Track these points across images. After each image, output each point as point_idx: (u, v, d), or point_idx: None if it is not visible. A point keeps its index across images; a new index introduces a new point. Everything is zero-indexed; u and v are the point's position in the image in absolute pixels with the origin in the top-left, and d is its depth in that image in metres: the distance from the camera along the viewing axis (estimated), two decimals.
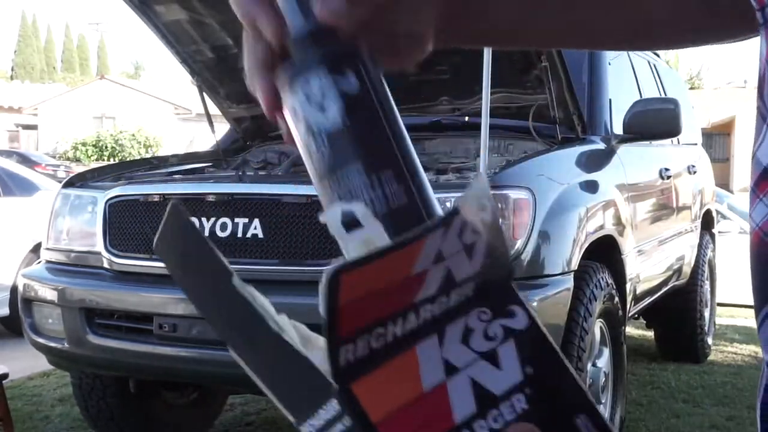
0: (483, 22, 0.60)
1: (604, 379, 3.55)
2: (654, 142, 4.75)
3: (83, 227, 3.55)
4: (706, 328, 5.92)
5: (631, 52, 4.90)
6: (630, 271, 3.97)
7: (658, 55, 5.94)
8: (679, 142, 5.40)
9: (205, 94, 4.38)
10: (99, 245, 3.42)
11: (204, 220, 3.18)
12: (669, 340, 5.87)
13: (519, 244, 3.01)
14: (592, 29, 0.65)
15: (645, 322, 6.03)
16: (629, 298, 4.03)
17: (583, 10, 0.63)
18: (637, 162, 4.39)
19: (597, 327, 3.46)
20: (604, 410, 3.58)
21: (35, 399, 4.77)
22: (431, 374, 0.40)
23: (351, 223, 0.42)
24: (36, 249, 5.64)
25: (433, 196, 0.46)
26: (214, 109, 4.49)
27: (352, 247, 0.42)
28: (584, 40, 0.70)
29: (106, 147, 32.91)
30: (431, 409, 0.40)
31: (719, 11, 0.65)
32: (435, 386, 0.40)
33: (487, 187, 0.42)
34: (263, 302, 0.39)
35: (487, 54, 3.18)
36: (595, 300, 3.34)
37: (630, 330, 5.91)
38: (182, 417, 4.22)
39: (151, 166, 4.22)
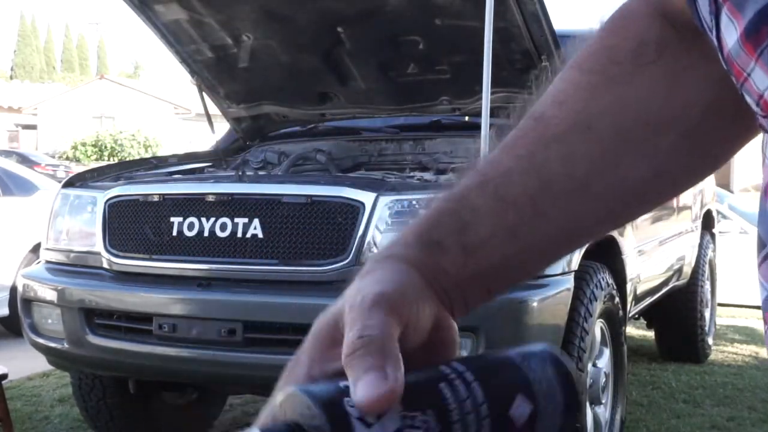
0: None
1: (604, 380, 3.55)
2: None
3: (83, 227, 3.54)
4: (706, 328, 5.92)
5: None
6: (630, 271, 3.96)
7: None
8: None
9: (204, 94, 4.38)
10: (98, 245, 3.41)
11: (203, 220, 3.17)
12: (669, 341, 5.86)
13: None
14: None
15: (645, 322, 6.02)
16: (630, 299, 4.03)
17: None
18: None
19: (597, 327, 3.46)
20: (605, 411, 3.58)
21: (35, 399, 4.76)
22: None
23: None
24: (36, 249, 5.63)
25: None
26: (213, 109, 4.49)
27: None
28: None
29: (106, 147, 32.85)
30: None
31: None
32: None
33: None
34: None
35: (487, 54, 3.17)
36: (596, 300, 3.33)
37: (630, 330, 5.91)
38: (182, 417, 4.22)
39: (151, 166, 4.21)
